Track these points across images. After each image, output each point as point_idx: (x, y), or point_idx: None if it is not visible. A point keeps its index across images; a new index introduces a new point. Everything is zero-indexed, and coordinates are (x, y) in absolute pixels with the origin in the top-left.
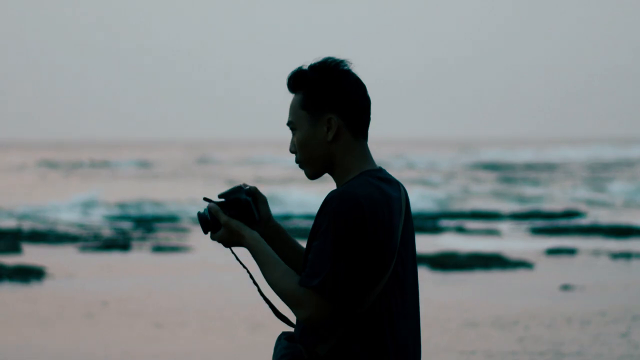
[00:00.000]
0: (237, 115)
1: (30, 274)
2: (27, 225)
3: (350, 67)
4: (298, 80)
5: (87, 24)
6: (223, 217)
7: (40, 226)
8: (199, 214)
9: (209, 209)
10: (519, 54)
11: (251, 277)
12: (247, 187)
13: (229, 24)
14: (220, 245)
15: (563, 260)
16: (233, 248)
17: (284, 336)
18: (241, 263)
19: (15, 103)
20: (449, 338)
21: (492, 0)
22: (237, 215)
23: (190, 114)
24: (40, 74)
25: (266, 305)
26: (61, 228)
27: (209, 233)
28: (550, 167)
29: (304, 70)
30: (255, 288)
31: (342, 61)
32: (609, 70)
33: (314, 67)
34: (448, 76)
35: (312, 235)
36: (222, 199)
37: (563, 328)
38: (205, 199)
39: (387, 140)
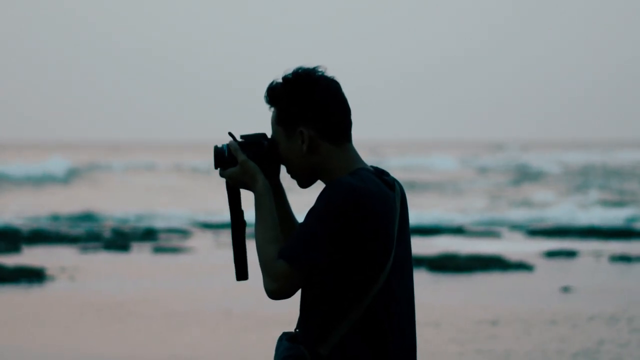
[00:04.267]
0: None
1: (30, 275)
2: None
3: (324, 72)
4: (271, 96)
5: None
6: (242, 156)
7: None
8: (216, 147)
9: (228, 145)
10: (519, 53)
11: (235, 229)
12: (270, 138)
13: (230, 22)
14: (224, 184)
15: (563, 262)
16: (229, 193)
17: (285, 337)
18: (230, 211)
19: (14, 103)
20: (448, 340)
21: None
22: (253, 159)
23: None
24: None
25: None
26: (62, 229)
27: (219, 169)
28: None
29: (276, 85)
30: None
31: (313, 69)
32: (613, 69)
33: (285, 80)
34: (448, 76)
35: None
36: (243, 140)
37: (563, 330)
38: (230, 134)
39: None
